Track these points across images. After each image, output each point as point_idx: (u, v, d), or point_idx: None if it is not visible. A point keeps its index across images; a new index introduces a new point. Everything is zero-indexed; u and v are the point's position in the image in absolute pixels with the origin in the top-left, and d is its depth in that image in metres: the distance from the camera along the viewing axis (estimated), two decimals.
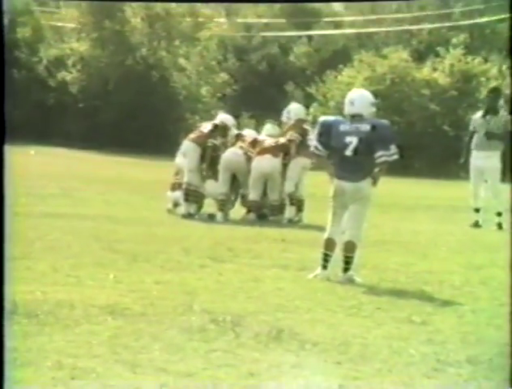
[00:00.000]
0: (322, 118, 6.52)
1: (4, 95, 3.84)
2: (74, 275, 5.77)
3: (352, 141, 6.13)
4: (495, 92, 11.30)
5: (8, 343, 3.86)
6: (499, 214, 10.31)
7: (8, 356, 3.79)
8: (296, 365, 3.98)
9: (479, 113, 10.71)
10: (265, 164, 9.95)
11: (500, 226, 10.23)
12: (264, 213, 10.11)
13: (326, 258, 6.22)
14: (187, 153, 10.23)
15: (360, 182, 6.16)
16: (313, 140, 6.47)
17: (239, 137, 10.36)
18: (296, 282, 6.03)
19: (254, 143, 10.22)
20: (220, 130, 10.25)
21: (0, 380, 3.69)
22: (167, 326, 4.58)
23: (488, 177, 10.39)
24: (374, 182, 6.22)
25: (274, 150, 9.99)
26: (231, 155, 10.05)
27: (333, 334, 4.56)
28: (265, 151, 9.97)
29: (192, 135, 10.43)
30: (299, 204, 10.06)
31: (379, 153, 6.09)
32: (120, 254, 6.83)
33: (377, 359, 4.13)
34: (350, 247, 6.16)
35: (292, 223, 9.85)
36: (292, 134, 10.02)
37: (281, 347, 4.28)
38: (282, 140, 10.09)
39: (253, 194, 9.97)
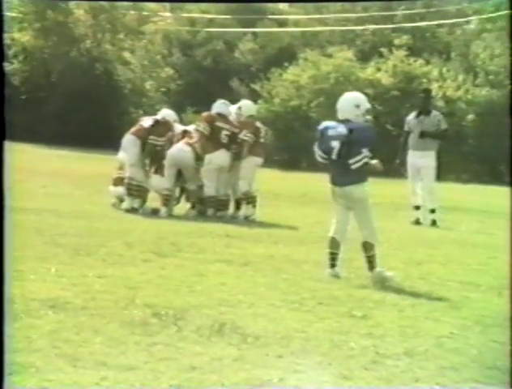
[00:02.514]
0: (319, 125, 6.60)
1: (4, 94, 3.78)
2: (15, 269, 5.68)
3: (336, 145, 6.27)
4: (426, 93, 11.59)
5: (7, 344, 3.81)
6: (432, 211, 10.59)
7: (8, 356, 3.73)
8: (238, 359, 4.00)
9: (412, 114, 10.95)
10: (221, 157, 9.95)
11: (434, 223, 10.50)
12: (206, 209, 10.09)
13: (332, 257, 6.34)
14: (127, 147, 10.18)
15: (347, 186, 6.29)
16: (316, 149, 6.49)
17: (185, 133, 10.32)
18: (240, 277, 6.06)
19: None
20: (161, 125, 10.21)
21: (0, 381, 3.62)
22: (108, 319, 4.55)
23: (423, 175, 10.64)
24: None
25: (228, 145, 9.99)
26: (177, 151, 10.01)
27: (275, 328, 4.60)
28: (220, 145, 9.95)
29: (132, 129, 10.40)
30: (253, 201, 10.11)
31: (351, 160, 6.21)
32: (62, 247, 6.76)
33: (317, 352, 4.19)
34: (367, 247, 6.31)
35: (248, 220, 9.87)
36: (245, 134, 10.02)
37: (223, 340, 4.30)
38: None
39: (208, 189, 9.94)
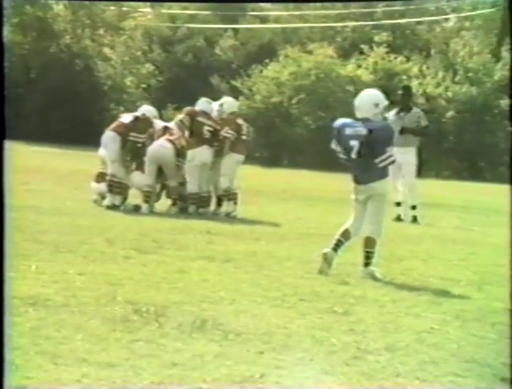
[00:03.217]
0: (334, 123, 6.59)
1: (4, 93, 3.75)
2: None
3: (355, 144, 6.28)
4: (407, 90, 11.65)
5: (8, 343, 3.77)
6: (413, 207, 10.67)
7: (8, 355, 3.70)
8: (219, 355, 4.00)
9: (393, 111, 11.01)
10: (203, 153, 9.94)
11: (415, 219, 10.57)
12: (187, 206, 10.09)
13: (337, 243, 6.36)
14: (107, 144, 10.14)
15: (370, 183, 6.31)
16: (335, 147, 6.48)
17: (166, 129, 10.29)
18: (221, 274, 6.06)
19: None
20: (141, 122, 10.18)
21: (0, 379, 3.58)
22: (89, 316, 4.53)
23: (404, 172, 10.70)
24: None
25: (211, 141, 9.99)
26: (158, 147, 9.99)
27: (256, 324, 4.61)
28: (203, 141, 9.95)
29: (112, 125, 10.36)
30: (234, 198, 10.11)
31: (377, 159, 6.25)
32: (43, 244, 6.72)
33: (299, 348, 4.20)
34: (370, 242, 6.33)
35: (229, 217, 9.87)
36: (227, 131, 10.02)
37: (204, 337, 4.30)
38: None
39: (191, 186, 9.94)
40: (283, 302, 5.21)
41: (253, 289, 5.53)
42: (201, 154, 9.97)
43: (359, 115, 6.38)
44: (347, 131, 6.35)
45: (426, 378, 3.87)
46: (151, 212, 9.83)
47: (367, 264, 6.33)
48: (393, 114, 10.93)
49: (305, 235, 8.23)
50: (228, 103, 10.48)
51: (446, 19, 32.68)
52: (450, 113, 27.04)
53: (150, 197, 10.02)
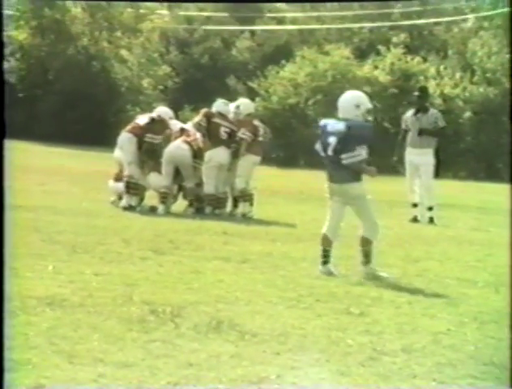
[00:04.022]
0: (319, 123, 6.60)
1: (4, 93, 3.78)
2: (12, 267, 5.67)
3: (333, 141, 6.27)
4: (423, 91, 11.58)
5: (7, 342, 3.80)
6: (430, 208, 10.61)
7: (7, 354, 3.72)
8: (235, 356, 4.00)
9: (410, 112, 10.97)
10: (220, 154, 9.97)
11: (431, 220, 10.52)
12: (203, 206, 10.11)
13: (324, 254, 6.37)
14: (124, 145, 10.17)
15: (344, 184, 6.28)
16: (318, 146, 6.48)
17: (183, 131, 10.32)
18: (237, 274, 6.06)
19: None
20: (157, 123, 10.21)
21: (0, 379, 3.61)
22: (106, 316, 4.55)
23: (421, 172, 10.65)
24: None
25: (228, 142, 10.01)
26: (175, 148, 10.02)
27: (272, 325, 4.60)
28: (219, 142, 9.98)
29: (128, 127, 10.39)
30: (250, 199, 10.13)
31: (343, 155, 6.21)
32: (59, 245, 6.76)
33: (315, 349, 4.19)
34: (364, 242, 6.35)
35: (245, 218, 9.88)
36: (243, 132, 10.04)
37: (220, 337, 4.30)
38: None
39: (208, 187, 9.96)
40: (299, 303, 5.20)
41: (269, 290, 5.53)
42: (218, 155, 9.99)
43: (340, 115, 6.37)
44: (329, 128, 6.34)
45: (443, 380, 3.85)
46: (168, 213, 9.86)
47: (366, 262, 6.31)
48: (410, 115, 10.90)
49: (319, 236, 8.18)
50: (245, 104, 10.49)
51: (465, 19, 32.51)
52: (467, 114, 26.91)
53: (166, 198, 10.04)
